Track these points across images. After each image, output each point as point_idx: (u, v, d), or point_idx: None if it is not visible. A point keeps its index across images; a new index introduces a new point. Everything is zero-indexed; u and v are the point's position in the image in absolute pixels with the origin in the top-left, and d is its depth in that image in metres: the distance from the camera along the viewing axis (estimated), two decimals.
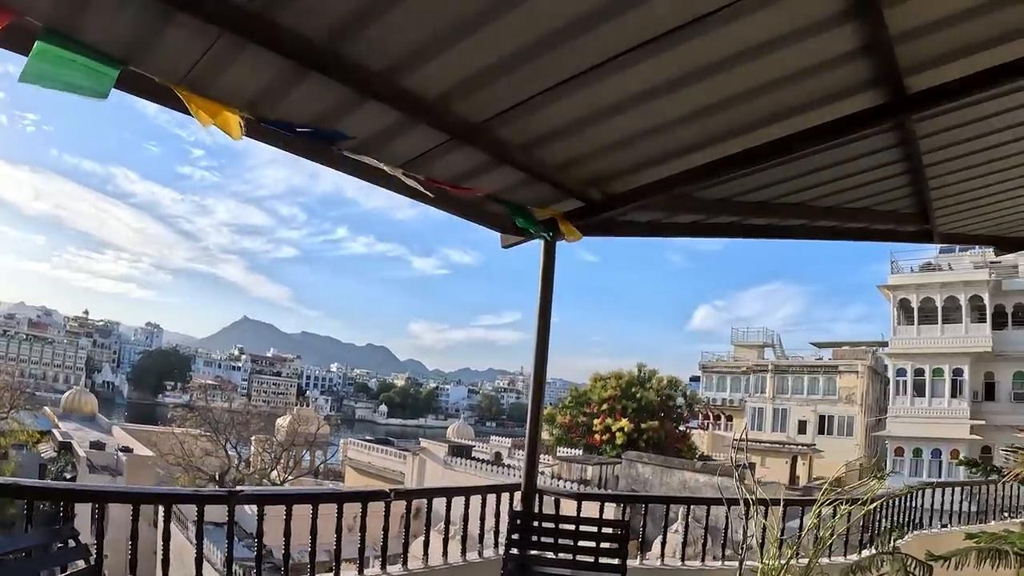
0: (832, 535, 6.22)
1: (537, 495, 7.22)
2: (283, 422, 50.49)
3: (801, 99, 4.59)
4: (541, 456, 39.40)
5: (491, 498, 7.41)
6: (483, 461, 35.81)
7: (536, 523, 6.61)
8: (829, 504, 5.96)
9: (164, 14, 3.53)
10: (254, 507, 5.94)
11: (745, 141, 5.12)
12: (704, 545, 7.89)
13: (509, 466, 34.83)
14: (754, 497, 6.19)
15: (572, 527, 6.47)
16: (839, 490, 6.11)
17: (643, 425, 40.35)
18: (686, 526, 7.90)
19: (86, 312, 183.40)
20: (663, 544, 7.79)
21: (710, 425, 56.92)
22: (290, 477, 44.31)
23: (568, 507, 7.32)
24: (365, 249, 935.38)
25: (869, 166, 5.83)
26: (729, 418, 57.37)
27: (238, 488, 5.62)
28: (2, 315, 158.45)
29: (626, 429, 40.16)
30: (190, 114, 3.95)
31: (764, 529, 6.21)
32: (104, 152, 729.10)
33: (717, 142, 5.20)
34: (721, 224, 7.10)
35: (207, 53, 3.88)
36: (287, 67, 4.02)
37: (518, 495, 7.15)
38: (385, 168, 4.81)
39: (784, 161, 5.50)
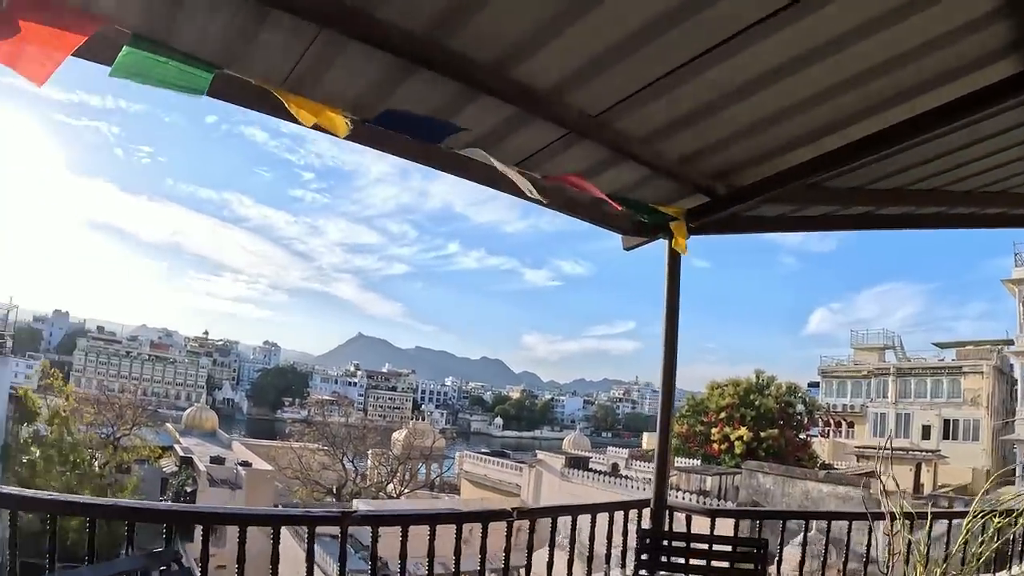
0: (984, 551, 5.72)
1: (667, 511, 6.83)
2: (399, 436, 50.92)
3: (938, 70, 4.14)
4: None
5: (617, 514, 7.04)
6: (600, 473, 35.33)
7: (666, 542, 6.26)
8: (982, 516, 5.46)
9: (258, 17, 3.47)
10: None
11: (879, 120, 4.66)
12: (845, 564, 7.38)
13: (627, 477, 34.37)
14: (900, 510, 5.73)
15: (705, 546, 6.11)
16: (997, 500, 5.61)
17: (762, 434, 39.53)
18: (826, 543, 7.41)
19: (206, 332, 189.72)
20: (801, 563, 7.33)
21: (831, 432, 55.54)
22: (406, 490, 44.68)
23: (699, 524, 6.93)
24: (476, 263, 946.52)
25: (1009, 143, 5.28)
26: (850, 425, 55.90)
27: (351, 509, 5.39)
28: (126, 337, 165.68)
29: (745, 438, 39.44)
30: (289, 118, 3.87)
31: (909, 544, 5.75)
32: (217, 179, 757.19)
33: (849, 124, 4.76)
34: (853, 216, 6.63)
35: (306, 53, 3.80)
36: (391, 63, 3.88)
37: (647, 512, 6.78)
38: (498, 166, 4.54)
39: (920, 142, 4.99)
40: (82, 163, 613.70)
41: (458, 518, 5.87)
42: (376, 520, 5.61)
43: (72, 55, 3.10)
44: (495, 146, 4.75)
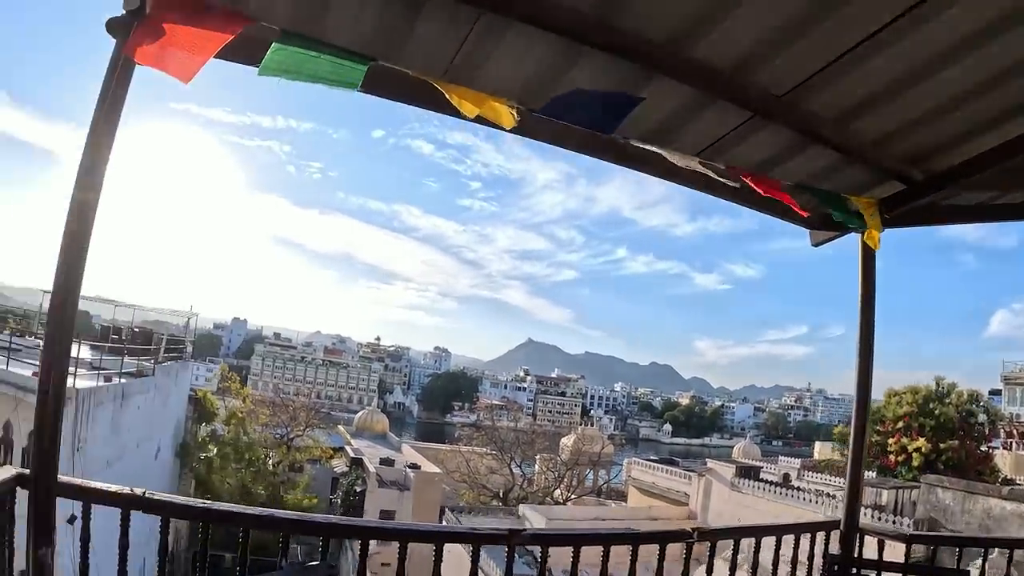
0: None
1: (858, 535, 6.28)
2: (567, 441, 50.99)
3: None
4: (830, 478, 37.37)
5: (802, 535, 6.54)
6: (771, 484, 34.36)
7: (855, 569, 5.76)
8: None
9: (414, 4, 3.35)
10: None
11: None
12: None
13: (799, 488, 33.23)
14: None
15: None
16: None
17: (941, 445, 37.50)
18: None
19: (378, 338, 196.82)
20: None
21: (1013, 444, 52.70)
22: (572, 496, 44.60)
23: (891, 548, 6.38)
24: (645, 268, 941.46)
25: None
26: None
27: (519, 527, 5.10)
28: (301, 343, 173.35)
29: (923, 449, 37.49)
30: (450, 111, 3.72)
31: None
32: (386, 192, 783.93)
33: None
34: None
35: (466, 40, 3.62)
36: (558, 45, 3.65)
37: (835, 534, 6.25)
38: (678, 161, 4.19)
39: None
40: (258, 181, 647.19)
41: (634, 539, 5.47)
42: (545, 540, 5.31)
43: (214, 56, 3.03)
44: (673, 133, 4.51)
